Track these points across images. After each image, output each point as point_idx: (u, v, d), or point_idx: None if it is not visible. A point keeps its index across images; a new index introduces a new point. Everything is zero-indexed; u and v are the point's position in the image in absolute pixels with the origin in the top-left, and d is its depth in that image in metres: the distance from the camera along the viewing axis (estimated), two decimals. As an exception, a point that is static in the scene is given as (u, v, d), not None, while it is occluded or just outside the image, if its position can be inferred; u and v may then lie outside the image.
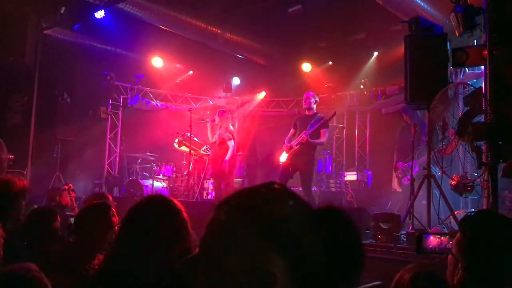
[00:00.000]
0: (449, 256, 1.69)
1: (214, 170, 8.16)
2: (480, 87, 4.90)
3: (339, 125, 11.21)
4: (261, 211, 0.91)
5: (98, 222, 2.93)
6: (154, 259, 2.00)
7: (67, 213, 5.70)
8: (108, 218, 2.99)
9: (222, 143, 7.98)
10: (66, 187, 5.47)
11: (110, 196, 4.58)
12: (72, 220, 3.97)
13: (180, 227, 2.11)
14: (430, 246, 1.81)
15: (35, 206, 4.24)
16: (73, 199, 5.45)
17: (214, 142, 8.12)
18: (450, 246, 1.68)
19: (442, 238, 1.84)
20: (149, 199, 2.28)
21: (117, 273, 2.01)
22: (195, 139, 8.44)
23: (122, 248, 2.09)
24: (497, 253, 1.58)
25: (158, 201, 2.21)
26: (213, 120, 8.26)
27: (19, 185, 3.05)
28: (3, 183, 3.02)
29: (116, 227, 2.99)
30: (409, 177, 5.87)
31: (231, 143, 7.96)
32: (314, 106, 7.34)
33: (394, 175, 8.19)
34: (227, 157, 7.82)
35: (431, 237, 1.82)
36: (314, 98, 7.35)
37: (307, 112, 7.35)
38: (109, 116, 11.05)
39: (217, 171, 8.03)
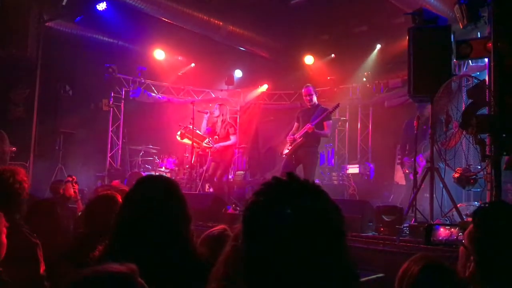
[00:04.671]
0: (461, 248, 1.66)
1: (217, 161, 8.24)
2: (484, 79, 4.87)
3: (342, 118, 11.19)
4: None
5: (108, 212, 2.91)
6: (160, 239, 1.92)
7: (70, 205, 5.72)
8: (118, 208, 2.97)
9: (227, 135, 8.21)
10: (70, 179, 5.44)
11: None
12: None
13: (184, 205, 2.05)
14: (440, 238, 1.78)
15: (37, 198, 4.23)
16: (77, 191, 5.43)
17: (218, 134, 8.26)
18: (461, 238, 1.66)
19: (452, 229, 1.81)
20: (150, 178, 2.21)
21: (121, 254, 1.90)
22: (197, 131, 8.44)
23: (124, 229, 2.02)
24: (511, 246, 1.56)
25: (159, 179, 2.16)
26: (212, 113, 8.37)
27: (20, 175, 3.04)
28: (6, 173, 3.02)
29: None
30: (417, 170, 5.82)
31: (234, 137, 8.29)
32: (315, 98, 7.35)
33: (396, 168, 8.15)
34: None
35: (441, 229, 1.80)
36: (314, 91, 7.36)
37: (309, 105, 7.35)
38: (111, 108, 11.06)
39: (220, 162, 8.21)
